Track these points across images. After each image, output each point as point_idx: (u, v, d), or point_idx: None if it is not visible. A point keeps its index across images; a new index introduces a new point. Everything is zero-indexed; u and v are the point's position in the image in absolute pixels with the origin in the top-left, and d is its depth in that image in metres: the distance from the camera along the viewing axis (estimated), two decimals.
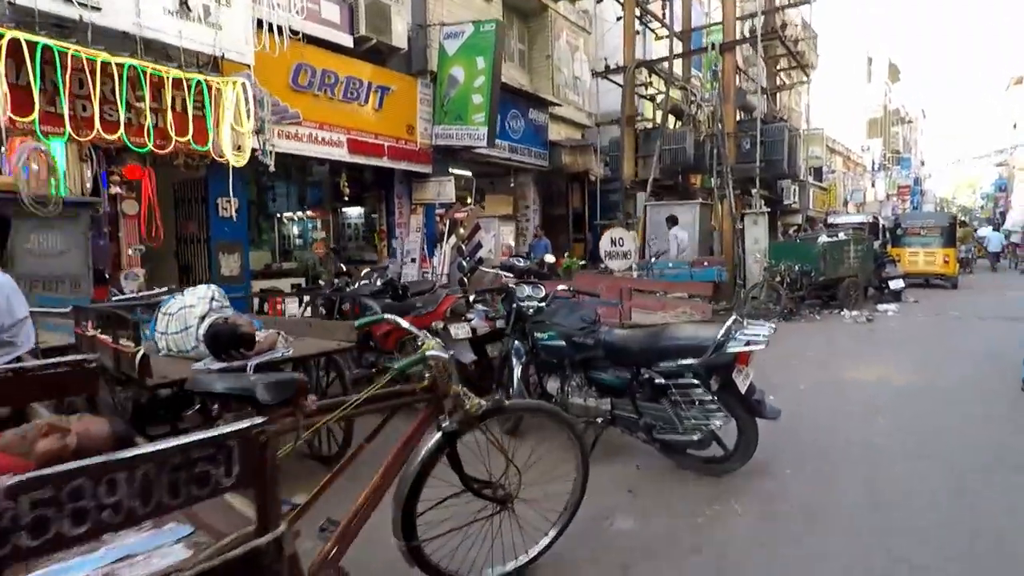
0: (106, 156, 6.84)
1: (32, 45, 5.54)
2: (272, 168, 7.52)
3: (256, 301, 8.57)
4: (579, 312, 4.00)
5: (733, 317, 3.49)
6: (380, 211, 11.48)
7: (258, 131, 7.23)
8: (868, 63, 40.23)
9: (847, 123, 36.16)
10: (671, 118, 14.08)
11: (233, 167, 7.69)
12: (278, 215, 12.26)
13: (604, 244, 7.99)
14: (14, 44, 5.42)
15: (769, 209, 13.55)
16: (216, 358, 2.99)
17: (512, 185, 13.87)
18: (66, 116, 5.80)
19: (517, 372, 4.11)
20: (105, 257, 6.86)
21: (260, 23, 7.85)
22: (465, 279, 9.17)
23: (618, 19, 14.56)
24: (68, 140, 5.91)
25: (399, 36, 9.89)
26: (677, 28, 15.70)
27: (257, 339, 3.15)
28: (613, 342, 3.72)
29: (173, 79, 6.57)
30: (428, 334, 2.33)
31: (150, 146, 6.41)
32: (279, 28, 7.39)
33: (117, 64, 6.09)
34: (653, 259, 8.57)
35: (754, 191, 12.80)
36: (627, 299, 4.65)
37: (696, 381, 3.41)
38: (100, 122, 5.99)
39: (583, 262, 11.90)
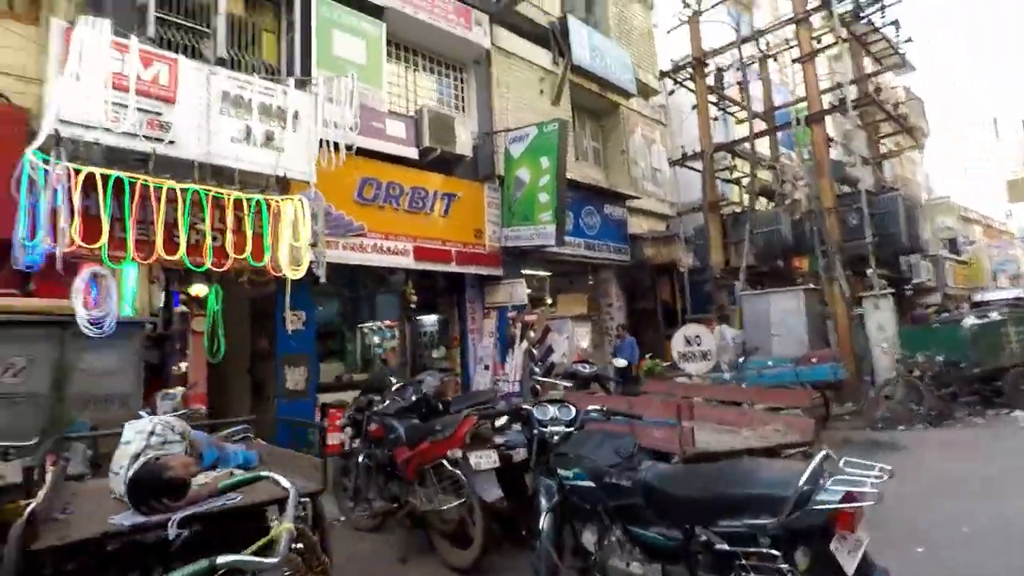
0: (177, 276, 7.15)
1: (105, 177, 5.97)
2: (323, 280, 7.48)
3: (318, 415, 8.35)
4: (614, 441, 3.11)
5: (822, 452, 2.44)
6: (453, 317, 11.24)
7: (313, 245, 7.28)
8: (994, 123, 36.83)
9: (982, 189, 32.59)
10: (762, 199, 13.08)
11: (303, 282, 7.85)
12: (360, 326, 12.40)
13: (677, 344, 6.90)
14: (87, 176, 5.86)
15: (893, 290, 11.81)
16: (136, 509, 2.47)
17: (591, 282, 13.26)
18: (130, 241, 6.09)
19: (544, 521, 3.19)
20: (167, 375, 6.99)
21: (324, 142, 8.27)
22: (537, 387, 8.43)
23: (693, 108, 14.22)
24: (130, 262, 6.16)
25: (463, 145, 10.06)
26: (760, 108, 15.07)
27: (196, 484, 2.63)
28: (655, 486, 2.75)
29: (234, 200, 6.84)
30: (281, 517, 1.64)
31: (208, 265, 6.58)
32: (336, 145, 7.65)
33: (181, 189, 6.44)
34: (742, 358, 7.25)
35: (869, 271, 11.23)
36: (686, 416, 3.62)
37: (776, 551, 2.31)
38: (163, 245, 6.25)
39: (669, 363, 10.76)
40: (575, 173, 12.47)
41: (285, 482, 1.94)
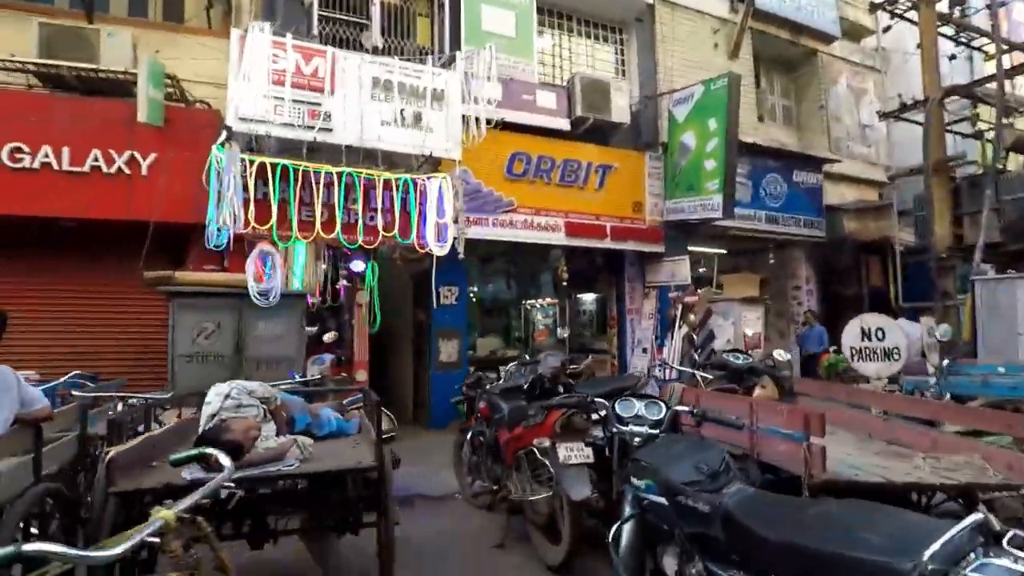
0: (340, 254, 7.83)
1: (272, 165, 6.69)
2: (461, 255, 7.57)
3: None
4: (702, 452, 2.53)
5: (977, 516, 1.64)
6: (611, 296, 10.76)
7: (455, 221, 7.40)
8: None
9: None
10: (1013, 156, 10.23)
11: (455, 258, 8.10)
12: (523, 303, 12.52)
13: (850, 338, 5.36)
14: (259, 166, 6.61)
15: None
16: (200, 466, 2.64)
17: (771, 261, 11.68)
18: (294, 221, 6.76)
19: (625, 535, 2.73)
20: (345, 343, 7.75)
21: (474, 119, 8.33)
22: (698, 376, 7.64)
23: (917, 46, 11.58)
24: (294, 241, 6.84)
25: (620, 111, 9.43)
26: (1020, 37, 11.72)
27: (256, 449, 2.73)
28: (736, 517, 2.11)
29: (384, 180, 7.22)
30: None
31: (360, 242, 7.05)
32: (488, 121, 7.63)
33: (337, 173, 6.96)
34: (946, 360, 5.47)
35: None
36: (816, 429, 2.78)
37: None
38: (322, 224, 6.85)
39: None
40: (757, 135, 11.01)
41: (224, 459, 1.84)
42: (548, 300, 12.65)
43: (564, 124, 9.19)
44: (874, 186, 12.78)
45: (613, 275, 10.66)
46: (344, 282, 7.77)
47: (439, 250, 7.47)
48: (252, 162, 6.61)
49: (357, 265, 7.83)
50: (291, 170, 6.77)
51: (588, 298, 11.77)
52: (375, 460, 2.92)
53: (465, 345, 9.05)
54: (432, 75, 7.68)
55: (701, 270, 11.18)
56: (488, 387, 5.20)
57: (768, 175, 11.02)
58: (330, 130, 7.17)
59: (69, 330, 7.06)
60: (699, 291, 9.05)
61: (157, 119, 6.80)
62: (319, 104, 7.11)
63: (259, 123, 6.83)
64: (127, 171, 6.86)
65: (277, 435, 3.13)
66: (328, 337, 6.42)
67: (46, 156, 6.58)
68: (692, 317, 8.60)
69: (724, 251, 12.10)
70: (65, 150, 6.65)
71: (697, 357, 8.44)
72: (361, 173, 7.09)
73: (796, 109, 12.80)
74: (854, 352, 5.53)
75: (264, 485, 2.76)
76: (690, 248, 10.52)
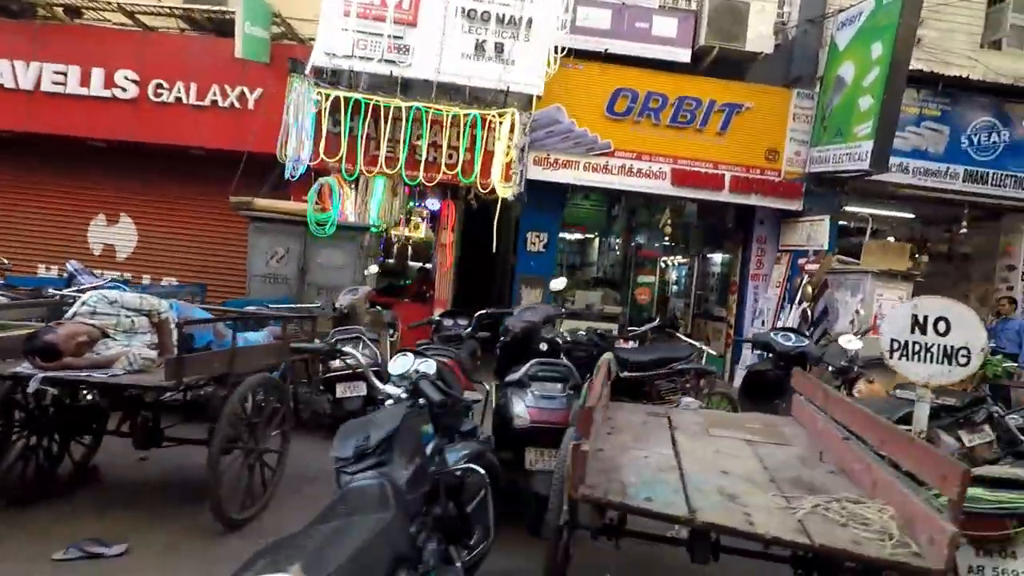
0: (417, 191, 7.91)
1: (346, 100, 6.89)
2: (511, 198, 7.07)
3: None
4: (380, 427, 1.94)
5: None
6: (737, 258, 9.33)
7: (519, 160, 6.93)
8: None
9: None
10: None
11: (550, 203, 7.73)
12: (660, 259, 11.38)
13: (893, 327, 3.55)
14: (334, 100, 6.86)
15: None
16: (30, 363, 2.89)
17: (963, 231, 8.97)
18: (359, 155, 6.95)
19: None
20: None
21: (572, 51, 7.62)
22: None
23: None
24: (356, 176, 7.04)
25: (760, 40, 7.80)
26: None
27: (77, 354, 2.90)
28: None
29: (451, 116, 7.01)
30: None
31: (420, 178, 7.02)
32: (560, 50, 6.91)
33: (406, 107, 6.94)
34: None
35: None
36: (584, 432, 1.85)
37: None
38: (384, 159, 6.95)
39: None
40: (972, 67, 8.35)
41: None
42: (680, 259, 11.53)
43: (684, 55, 7.91)
44: None
45: (742, 234, 9.19)
46: (419, 219, 7.86)
47: (504, 191, 7.12)
48: (327, 96, 6.90)
49: (433, 204, 7.84)
50: (362, 104, 6.92)
51: (717, 259, 10.38)
52: (168, 379, 2.91)
53: (549, 295, 8.64)
54: (522, 1, 7.13)
55: (867, 237, 8.96)
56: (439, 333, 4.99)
57: (978, 120, 8.33)
58: (409, 64, 7.15)
59: (173, 244, 8.31)
60: (822, 257, 7.34)
61: (257, 55, 7.36)
62: (400, 37, 7.10)
63: (343, 58, 7.09)
64: (238, 105, 7.64)
65: (158, 348, 3.29)
66: (368, 272, 6.57)
67: (179, 91, 7.61)
68: (809, 289, 7.05)
69: (911, 215, 9.66)
70: (193, 85, 7.61)
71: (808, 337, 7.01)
72: (429, 109, 6.96)
73: None
74: (896, 345, 3.84)
75: (76, 387, 3.01)
76: (849, 208, 8.58)
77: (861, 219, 8.62)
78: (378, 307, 6.69)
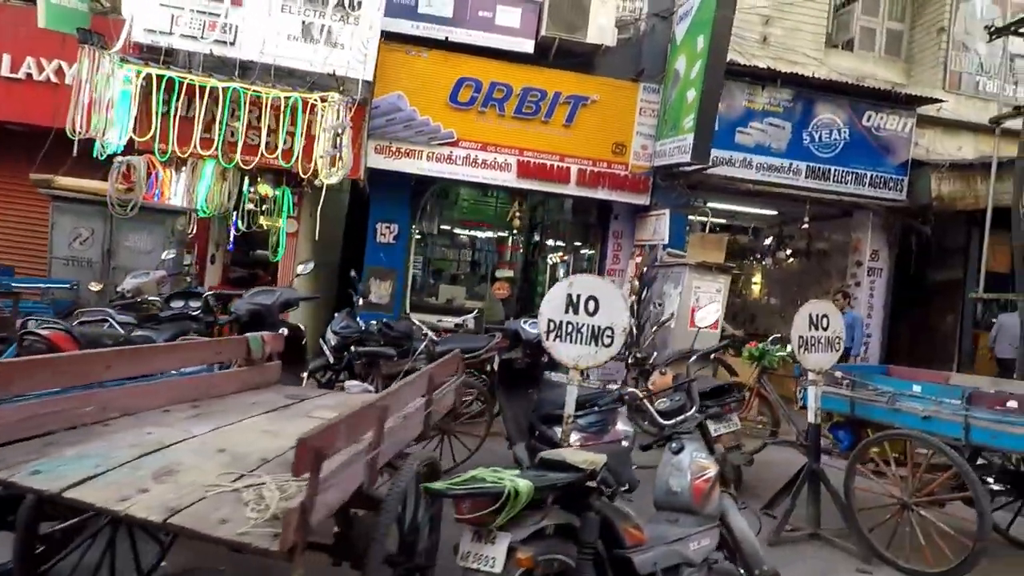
0: (247, 176, 7.66)
1: (159, 77, 6.63)
2: (327, 183, 6.90)
3: None
4: None
5: None
6: (597, 253, 9.35)
7: (334, 146, 6.77)
8: None
9: None
10: None
11: (399, 193, 7.54)
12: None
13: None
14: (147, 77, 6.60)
15: None
16: None
17: (805, 226, 9.17)
18: (172, 135, 6.69)
19: None
20: None
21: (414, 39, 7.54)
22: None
23: None
24: (169, 155, 6.78)
25: (601, 32, 7.82)
26: None
27: None
28: None
29: (272, 99, 6.81)
30: None
31: (237, 160, 6.80)
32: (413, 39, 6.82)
33: (223, 88, 6.71)
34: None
35: None
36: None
37: None
38: (199, 140, 6.71)
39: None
40: (816, 66, 8.58)
41: None
42: (561, 256, 11.49)
43: (527, 46, 7.87)
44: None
45: (600, 229, 9.21)
46: (252, 206, 7.62)
47: (327, 177, 6.95)
48: (139, 73, 6.63)
49: (263, 189, 7.62)
50: (176, 83, 6.68)
51: (584, 254, 10.38)
52: None
53: (400, 287, 8.48)
54: None
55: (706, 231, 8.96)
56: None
57: (820, 117, 8.51)
58: (232, 43, 6.94)
59: None
60: (644, 250, 7.38)
61: (64, 25, 7.01)
62: (219, 15, 6.88)
63: (163, 35, 6.84)
64: (55, 79, 7.30)
65: None
66: (166, 255, 6.31)
67: None
68: (636, 282, 7.06)
69: (772, 211, 9.84)
70: (6, 57, 7.25)
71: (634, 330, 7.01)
72: (248, 90, 6.76)
73: (909, 37, 9.66)
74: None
75: None
76: (706, 204, 8.67)
77: (702, 213, 8.68)
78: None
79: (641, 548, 2.37)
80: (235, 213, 7.70)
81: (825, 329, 4.11)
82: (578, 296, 3.17)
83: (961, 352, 8.95)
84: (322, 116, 6.76)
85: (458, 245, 9.89)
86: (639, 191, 8.35)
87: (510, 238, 9.72)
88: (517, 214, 8.67)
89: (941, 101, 8.69)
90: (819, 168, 8.55)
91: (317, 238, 7.39)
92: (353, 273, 6.13)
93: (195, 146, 6.70)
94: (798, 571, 3.56)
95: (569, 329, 3.17)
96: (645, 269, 7.26)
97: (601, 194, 8.32)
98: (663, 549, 2.47)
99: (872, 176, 8.69)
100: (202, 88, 6.69)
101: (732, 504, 2.95)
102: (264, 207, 7.86)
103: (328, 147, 6.67)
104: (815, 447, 4.05)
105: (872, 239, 9.07)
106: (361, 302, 6.59)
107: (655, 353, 5.97)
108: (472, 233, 9.90)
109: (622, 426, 3.87)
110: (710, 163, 7.20)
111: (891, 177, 8.74)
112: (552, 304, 3.20)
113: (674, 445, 2.88)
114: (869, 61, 9.35)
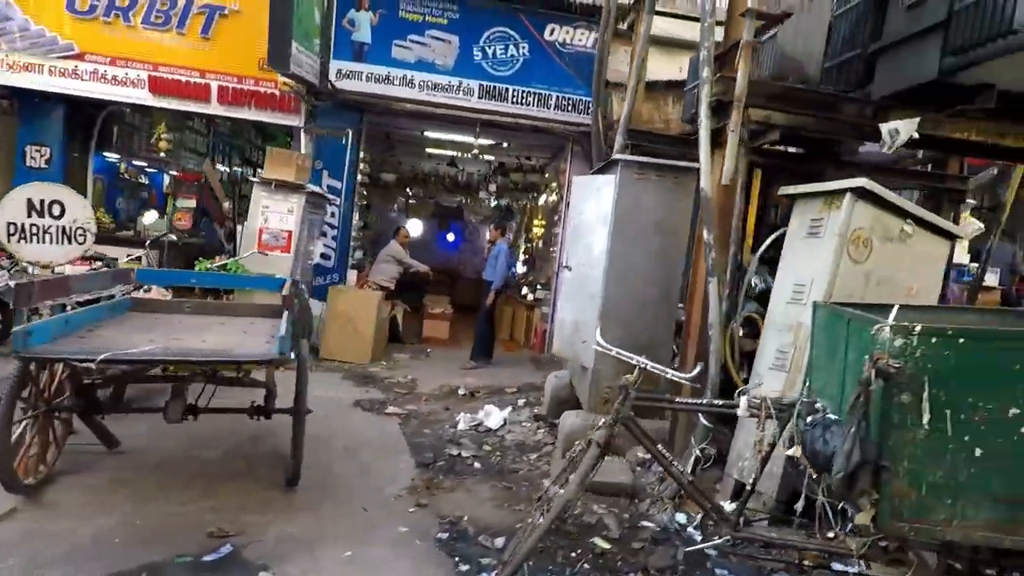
0: None
1: None
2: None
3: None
4: None
5: None
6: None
7: None
8: None
9: None
10: None
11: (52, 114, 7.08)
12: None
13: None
14: None
15: None
16: None
17: (472, 155, 8.54)
18: None
19: None
20: None
21: None
22: None
23: None
24: None
25: None
26: None
27: None
28: None
29: None
30: None
31: None
32: None
33: None
34: None
35: None
36: None
37: None
38: None
39: None
40: None
41: None
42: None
43: None
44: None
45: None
46: None
47: None
48: None
49: None
50: None
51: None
52: None
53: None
54: None
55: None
56: None
57: (492, 29, 7.79)
58: None
59: None
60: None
61: None
62: None
63: None
64: None
65: None
66: None
67: None
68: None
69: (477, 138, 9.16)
70: None
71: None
72: None
73: None
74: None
75: None
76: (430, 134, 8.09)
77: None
78: None
79: None
80: None
81: (57, 217, 3.67)
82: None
83: None
84: None
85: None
86: (290, 111, 7.77)
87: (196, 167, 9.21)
88: (162, 136, 8.13)
89: (628, 14, 7.88)
90: (494, 87, 7.88)
91: None
92: None
93: None
94: None
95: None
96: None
97: (248, 114, 7.77)
98: None
99: (559, 98, 8.00)
100: None
101: None
102: None
103: None
104: None
105: (573, 168, 8.43)
106: None
107: None
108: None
109: None
110: (289, 70, 6.56)
111: (581, 99, 8.03)
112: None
113: None
114: None
